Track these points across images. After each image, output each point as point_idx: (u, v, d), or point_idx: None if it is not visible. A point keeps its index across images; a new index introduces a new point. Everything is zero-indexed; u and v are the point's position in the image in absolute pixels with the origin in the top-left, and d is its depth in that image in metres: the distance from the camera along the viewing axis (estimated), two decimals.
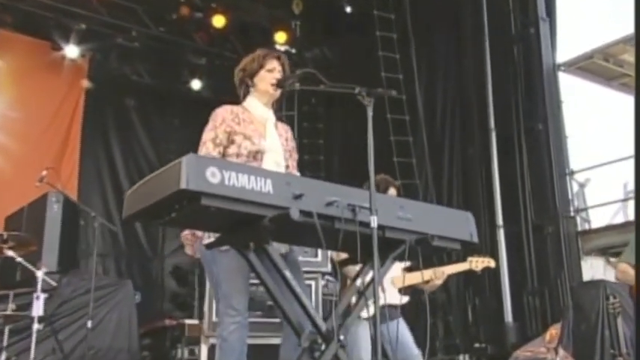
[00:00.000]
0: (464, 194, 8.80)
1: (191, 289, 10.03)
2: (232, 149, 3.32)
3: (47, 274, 4.95)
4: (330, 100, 11.14)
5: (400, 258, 2.89)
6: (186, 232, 3.27)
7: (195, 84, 10.23)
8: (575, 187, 8.59)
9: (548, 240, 7.89)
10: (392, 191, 4.40)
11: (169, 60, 10.08)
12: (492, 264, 5.01)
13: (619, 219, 9.14)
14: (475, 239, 3.05)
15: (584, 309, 6.15)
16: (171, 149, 10.86)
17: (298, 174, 3.47)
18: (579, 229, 8.26)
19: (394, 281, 4.06)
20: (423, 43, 9.41)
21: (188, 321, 7.53)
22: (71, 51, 9.18)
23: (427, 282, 4.10)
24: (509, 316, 8.09)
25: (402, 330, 3.82)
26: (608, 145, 9.22)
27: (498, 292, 8.17)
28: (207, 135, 3.35)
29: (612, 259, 8.80)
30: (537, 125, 8.19)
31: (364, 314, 2.85)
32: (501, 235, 8.21)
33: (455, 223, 3.05)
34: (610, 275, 8.46)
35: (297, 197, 2.63)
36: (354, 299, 2.87)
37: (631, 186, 8.37)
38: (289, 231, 2.71)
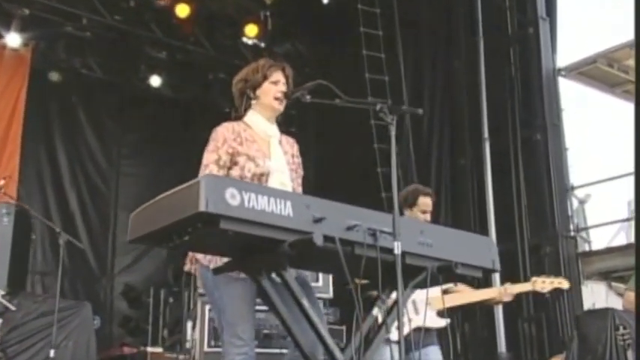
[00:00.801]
0: (453, 209, 9.05)
1: (145, 312, 10.10)
2: (235, 171, 3.46)
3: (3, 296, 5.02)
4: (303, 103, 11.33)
5: (421, 286, 3.10)
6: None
7: (155, 80, 10.32)
8: (575, 204, 8.98)
9: (546, 261, 8.18)
10: (423, 200, 4.52)
11: (125, 53, 10.14)
12: (565, 285, 5.08)
13: (620, 240, 9.55)
14: (497, 267, 3.26)
15: (590, 340, 6.42)
16: (124, 154, 10.93)
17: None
18: (579, 250, 8.64)
19: (432, 302, 4.05)
20: (411, 42, 9.67)
21: (151, 349, 7.61)
22: (12, 39, 9.18)
23: (486, 301, 4.24)
24: (502, 346, 8.35)
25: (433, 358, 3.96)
26: (611, 159, 9.66)
27: (490, 318, 8.43)
28: (210, 157, 3.47)
29: (615, 284, 9.18)
30: (535, 135, 8.55)
31: (394, 337, 3.03)
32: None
33: (476, 249, 3.25)
34: (612, 302, 8.83)
35: (318, 221, 2.77)
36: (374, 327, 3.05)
37: (634, 205, 8.76)
38: (307, 256, 2.86)
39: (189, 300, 10.17)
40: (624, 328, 5.79)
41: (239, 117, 3.68)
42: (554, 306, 8.03)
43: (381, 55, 9.21)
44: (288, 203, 2.78)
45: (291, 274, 2.98)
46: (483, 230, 8.65)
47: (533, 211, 8.39)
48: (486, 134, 8.86)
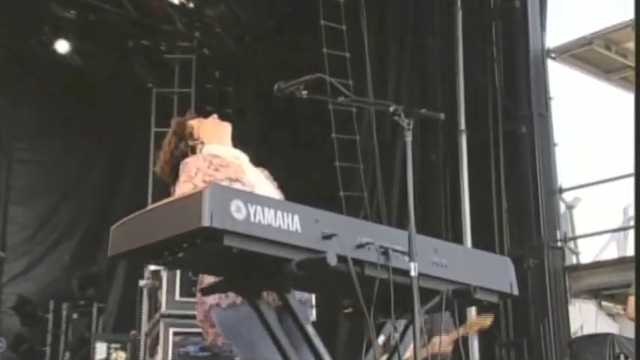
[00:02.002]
0: (422, 211, 9.33)
1: (42, 331, 10.13)
2: None
3: None
4: (241, 77, 11.50)
5: (434, 311, 3.37)
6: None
7: (61, 46, 10.30)
8: (562, 209, 9.41)
9: (529, 276, 8.55)
10: None
11: (24, 10, 10.03)
12: (488, 322, 5.44)
13: (611, 252, 10.01)
14: (515, 291, 3.56)
15: None
16: (17, 136, 10.84)
17: None
18: (566, 263, 9.07)
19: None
20: (376, 12, 9.84)
21: None
22: None
23: None
24: None
25: None
26: (605, 158, 10.10)
27: (464, 343, 8.76)
28: (184, 188, 3.69)
29: (605, 304, 9.68)
30: (519, 128, 8.94)
31: None
32: None
33: (493, 271, 3.52)
34: (602, 324, 9.33)
35: (328, 237, 2.99)
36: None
37: (632, 211, 9.22)
38: (313, 277, 3.08)
39: (99, 316, 10.29)
40: (625, 357, 6.21)
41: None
42: (538, 329, 8.41)
43: (341, 27, 9.42)
44: (296, 217, 2.99)
45: (294, 296, 3.22)
46: (456, 238, 8.99)
47: (516, 217, 8.79)
48: (463, 125, 9.21)
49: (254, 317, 3.22)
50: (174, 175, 3.94)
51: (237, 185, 3.68)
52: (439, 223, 9.28)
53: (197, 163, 3.82)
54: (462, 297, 3.36)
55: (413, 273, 3.14)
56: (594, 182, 9.66)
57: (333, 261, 2.94)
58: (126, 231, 3.04)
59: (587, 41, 9.82)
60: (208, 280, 3.52)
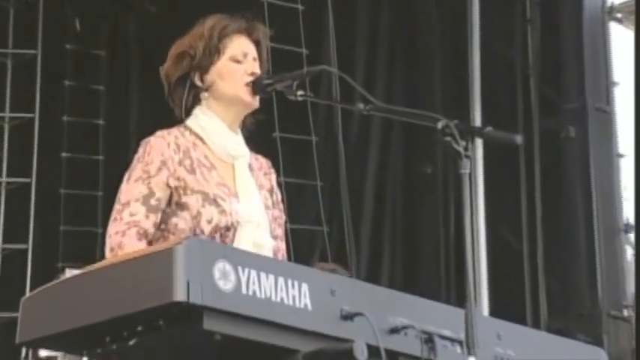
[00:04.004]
0: (407, 252, 9.56)
1: None
2: (181, 221, 3.77)
3: None
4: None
5: None
6: None
7: None
8: (629, 256, 9.12)
9: None
10: None
11: None
12: None
13: None
14: None
15: None
16: None
17: (284, 255, 3.95)
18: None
19: None
20: None
21: None
22: None
23: None
24: None
25: None
26: None
27: None
28: (134, 190, 3.74)
29: None
30: (565, 129, 8.95)
31: None
32: None
33: None
34: None
35: (348, 318, 3.12)
36: None
37: None
38: None
39: None
40: None
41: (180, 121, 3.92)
42: None
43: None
44: (305, 287, 3.03)
45: None
46: (461, 298, 9.06)
47: (557, 268, 8.83)
48: (477, 122, 8.83)
49: None
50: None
51: (209, 212, 3.74)
52: (436, 274, 9.35)
53: (164, 150, 3.79)
54: None
55: None
56: None
57: (362, 355, 3.02)
58: (46, 305, 3.03)
59: None
60: None
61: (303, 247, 9.22)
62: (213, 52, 3.95)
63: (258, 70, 3.99)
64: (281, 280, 3.02)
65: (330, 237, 9.53)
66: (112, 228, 3.78)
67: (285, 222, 4.21)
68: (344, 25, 9.87)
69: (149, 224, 3.74)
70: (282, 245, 4.05)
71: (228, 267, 2.91)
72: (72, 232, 10.81)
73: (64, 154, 11.08)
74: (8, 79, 11.10)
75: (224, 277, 2.88)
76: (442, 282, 9.25)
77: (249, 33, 4.02)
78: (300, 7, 9.64)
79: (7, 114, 10.83)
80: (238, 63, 3.97)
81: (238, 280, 2.91)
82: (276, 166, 9.44)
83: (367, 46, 10.21)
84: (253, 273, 2.96)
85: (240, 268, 2.93)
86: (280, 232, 4.06)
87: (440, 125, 3.51)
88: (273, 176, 4.17)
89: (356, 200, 9.52)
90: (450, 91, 9.59)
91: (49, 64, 11.31)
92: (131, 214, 3.71)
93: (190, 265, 2.83)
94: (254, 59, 4.00)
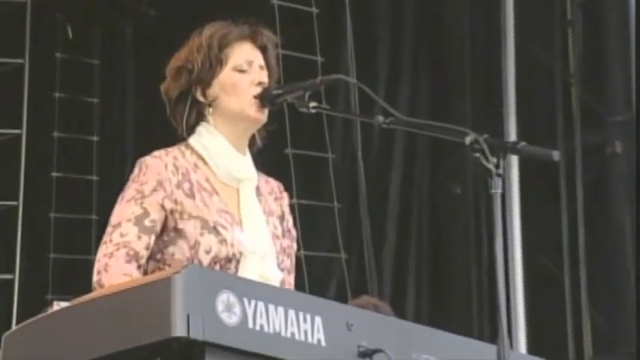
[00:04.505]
0: (434, 281, 9.58)
1: None
2: (178, 251, 3.78)
3: None
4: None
5: None
6: None
7: None
8: None
9: None
10: None
11: None
12: None
13: None
14: None
15: None
16: None
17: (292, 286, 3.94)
18: None
19: None
20: None
21: None
22: None
23: None
24: None
25: None
26: None
27: None
28: (127, 209, 3.74)
29: None
30: (611, 144, 8.93)
31: None
32: None
33: None
34: None
35: (367, 355, 3.12)
36: None
37: None
38: None
39: None
40: None
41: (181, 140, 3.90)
42: None
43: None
44: (318, 321, 3.05)
45: None
46: (496, 332, 9.03)
47: (602, 299, 8.82)
48: (512, 136, 8.92)
49: None
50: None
51: (209, 240, 3.75)
52: (466, 305, 9.40)
53: (161, 171, 3.79)
54: None
55: None
56: None
57: None
58: (30, 341, 3.03)
59: None
60: None
61: (318, 276, 9.16)
62: (214, 63, 3.94)
63: (265, 80, 3.97)
64: (292, 312, 3.02)
65: (348, 265, 9.47)
66: (101, 251, 3.78)
67: (299, 249, 4.15)
68: (363, 30, 9.81)
69: (141, 246, 3.72)
70: (290, 278, 4.03)
71: (233, 298, 2.91)
72: (63, 261, 10.67)
73: (54, 174, 10.97)
74: None
75: (228, 309, 2.88)
76: (474, 314, 9.13)
77: (253, 39, 4.00)
78: (314, 9, 9.62)
79: None
80: (243, 73, 3.96)
81: (244, 312, 2.92)
82: (288, 186, 9.55)
83: (389, 52, 10.06)
84: (261, 305, 2.97)
85: (246, 300, 2.93)
86: (289, 263, 4.03)
87: (468, 140, 3.46)
88: (285, 201, 4.15)
89: (377, 224, 9.48)
90: (481, 102, 9.49)
91: (38, 75, 11.18)
92: (121, 235, 3.71)
93: (191, 297, 2.83)
94: (260, 67, 3.99)
